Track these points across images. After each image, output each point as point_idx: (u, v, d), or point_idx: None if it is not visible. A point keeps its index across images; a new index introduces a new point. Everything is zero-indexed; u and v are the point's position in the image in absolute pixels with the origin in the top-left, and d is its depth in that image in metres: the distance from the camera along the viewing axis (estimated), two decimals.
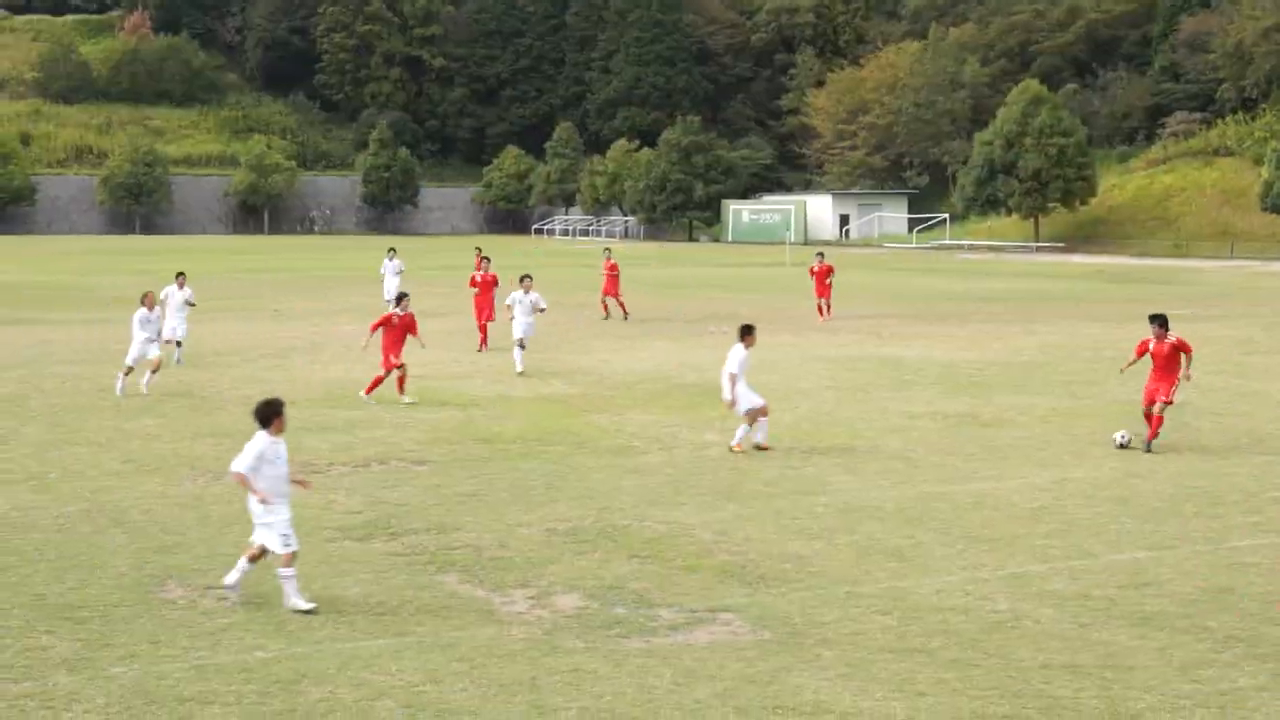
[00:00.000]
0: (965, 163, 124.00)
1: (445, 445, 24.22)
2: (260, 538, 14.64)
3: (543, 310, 34.87)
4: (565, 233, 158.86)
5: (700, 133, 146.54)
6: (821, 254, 52.68)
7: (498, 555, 16.88)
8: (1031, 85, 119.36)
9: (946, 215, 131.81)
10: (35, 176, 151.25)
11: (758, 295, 63.60)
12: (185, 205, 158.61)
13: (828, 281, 50.27)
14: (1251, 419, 27.94)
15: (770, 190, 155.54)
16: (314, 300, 57.24)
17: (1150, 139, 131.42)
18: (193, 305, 36.25)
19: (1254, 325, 49.33)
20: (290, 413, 27.10)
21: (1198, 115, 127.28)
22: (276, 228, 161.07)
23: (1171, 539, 18.09)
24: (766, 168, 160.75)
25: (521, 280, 35.02)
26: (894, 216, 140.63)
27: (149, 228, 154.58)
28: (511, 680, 12.53)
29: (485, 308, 39.68)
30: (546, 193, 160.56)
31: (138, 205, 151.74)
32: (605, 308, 50.70)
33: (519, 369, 33.44)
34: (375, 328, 29.31)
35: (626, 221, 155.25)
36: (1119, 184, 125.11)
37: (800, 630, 14.11)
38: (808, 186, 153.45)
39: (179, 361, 34.71)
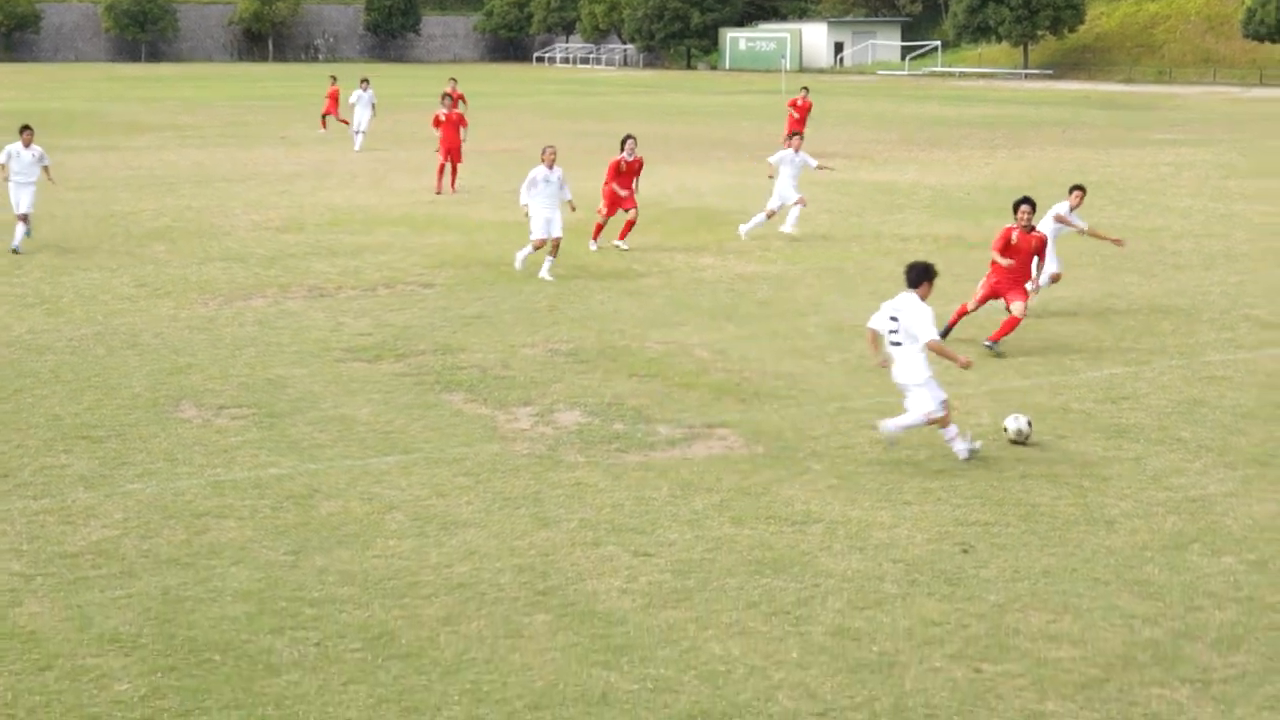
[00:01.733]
0: None
1: (451, 269, 24.20)
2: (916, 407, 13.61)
3: (813, 167, 28.94)
4: (566, 60, 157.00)
5: None
6: (806, 89, 49.32)
7: (502, 375, 16.96)
8: None
9: (939, 43, 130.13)
10: (39, 3, 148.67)
11: (754, 122, 63.07)
12: (190, 33, 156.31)
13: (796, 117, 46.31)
14: (1227, 240, 27.92)
15: (766, 18, 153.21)
16: (319, 127, 56.72)
17: None
18: (47, 168, 26.71)
19: (1233, 150, 49.04)
20: (298, 237, 27.31)
21: None
22: (281, 55, 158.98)
23: (1147, 354, 18.17)
24: None
25: (790, 139, 29.20)
26: (887, 44, 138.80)
27: (154, 56, 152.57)
28: (515, 494, 12.67)
29: (450, 149, 35.63)
30: (546, 21, 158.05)
31: (143, 33, 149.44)
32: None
33: (792, 229, 28.32)
34: (610, 180, 26.06)
35: (625, 49, 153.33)
36: (1106, 11, 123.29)
37: (792, 444, 14.24)
38: (803, 15, 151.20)
39: (16, 249, 25.53)
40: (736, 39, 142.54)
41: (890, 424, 13.76)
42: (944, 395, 13.80)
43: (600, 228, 26.50)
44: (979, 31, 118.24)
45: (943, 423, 13.71)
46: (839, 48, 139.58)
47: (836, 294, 22.26)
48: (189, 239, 27.42)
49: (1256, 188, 37.23)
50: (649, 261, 25.08)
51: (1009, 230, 18.59)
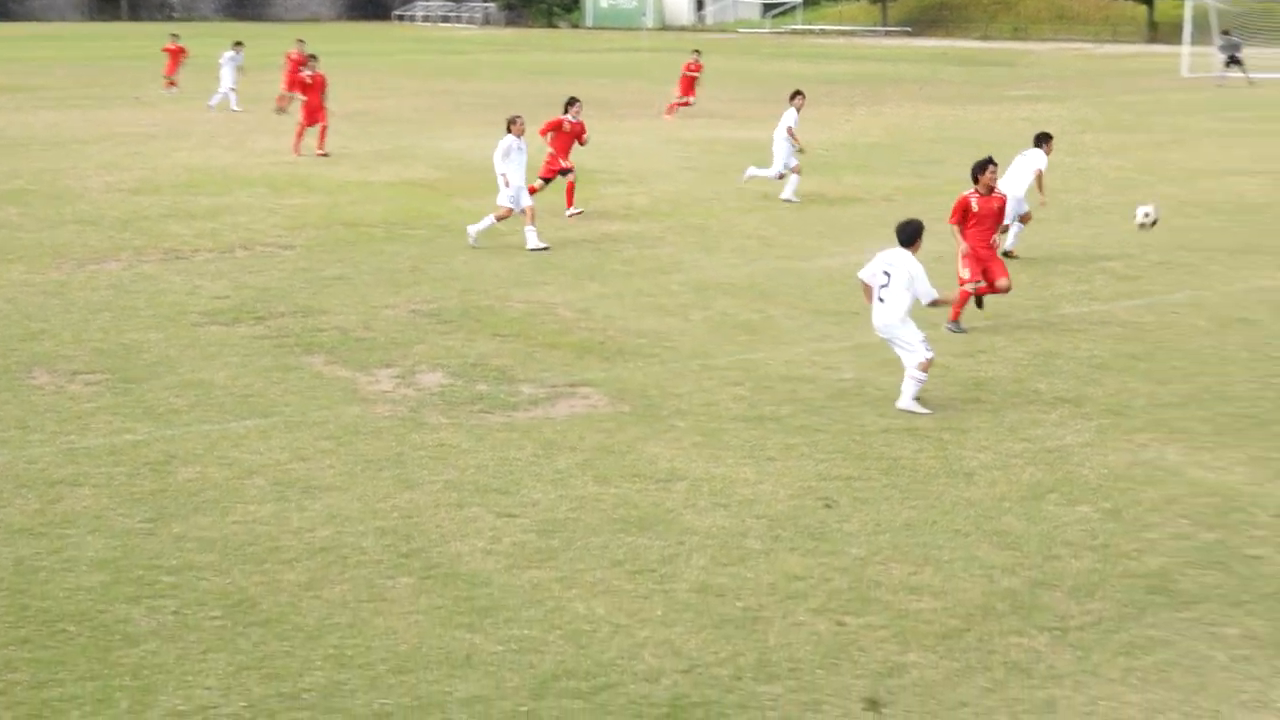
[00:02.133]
0: None
1: (311, 230, 23.85)
2: (908, 358, 14.02)
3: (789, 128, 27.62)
4: (427, 19, 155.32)
5: None
6: (698, 52, 48.44)
7: (363, 336, 16.75)
8: None
9: (800, 0, 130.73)
10: None
11: (616, 80, 62.91)
12: None
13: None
14: (1084, 194, 28.37)
15: None
16: (165, 86, 55.53)
17: None
18: None
19: (1088, 105, 49.84)
20: (154, 199, 26.73)
21: None
22: (135, 15, 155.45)
23: (1005, 308, 18.39)
24: None
25: (793, 97, 28.18)
26: (749, 1, 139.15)
27: (4, 15, 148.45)
28: (378, 456, 12.52)
29: (316, 110, 34.30)
30: None
31: None
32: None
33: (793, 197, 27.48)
34: (546, 131, 24.97)
35: (487, 8, 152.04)
36: None
37: (656, 402, 14.23)
38: None
39: None
40: None
41: (906, 403, 13.97)
42: (923, 334, 14.16)
43: (572, 187, 25.28)
44: None
45: (923, 367, 14.02)
46: (700, 4, 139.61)
47: (700, 252, 22.28)
48: (41, 202, 26.70)
49: (1111, 142, 37.88)
50: (512, 220, 24.89)
51: (966, 198, 17.21)
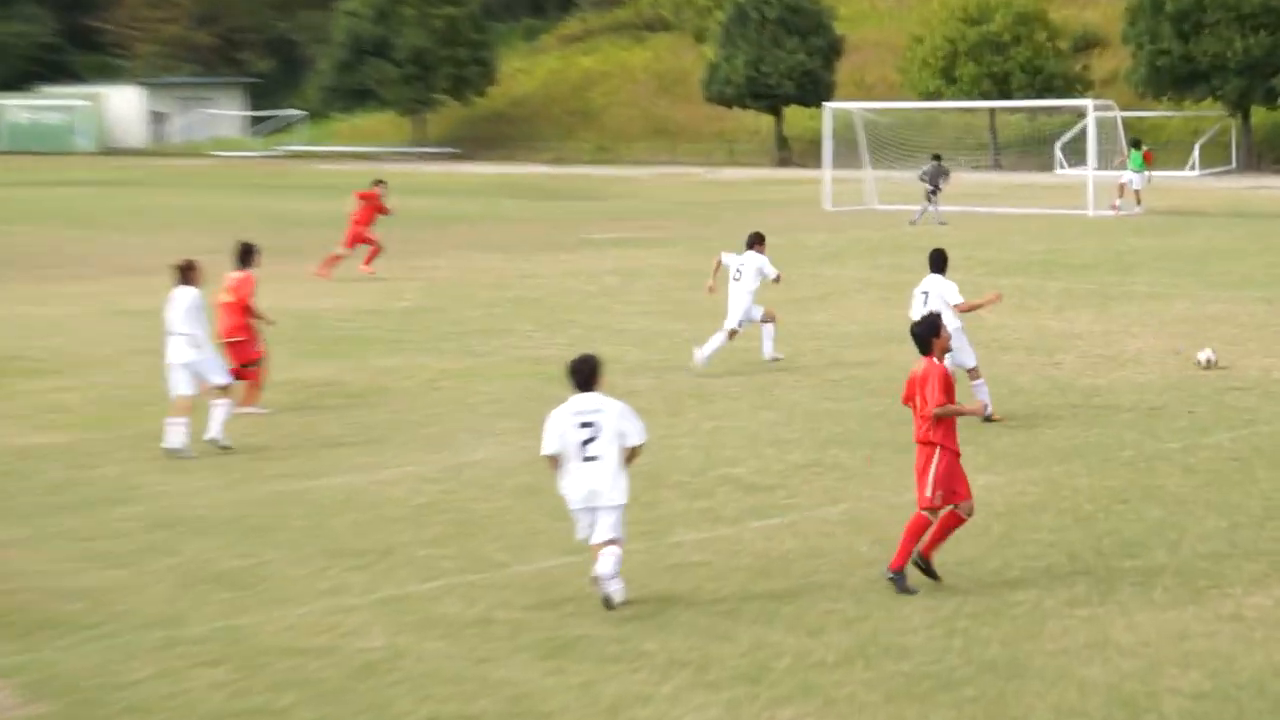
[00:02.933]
0: (324, 41, 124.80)
1: None
2: (608, 529, 15.94)
3: (771, 278, 30.14)
4: None
5: None
6: (382, 183, 48.02)
7: None
8: None
9: (302, 112, 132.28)
10: None
11: (45, 225, 61.98)
12: None
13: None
14: (696, 377, 28.80)
15: (54, 80, 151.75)
16: None
17: (565, 8, 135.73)
18: None
19: (698, 251, 51.42)
20: None
21: None
22: None
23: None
24: (48, 47, 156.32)
25: (755, 243, 30.58)
26: (227, 114, 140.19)
27: None
28: None
29: None
30: None
31: None
32: None
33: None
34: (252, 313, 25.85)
35: None
36: (525, 68, 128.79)
37: (95, 697, 13.73)
38: (107, 73, 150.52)
39: None
40: (9, 107, 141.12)
41: (609, 580, 15.75)
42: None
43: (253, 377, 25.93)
44: (355, 96, 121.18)
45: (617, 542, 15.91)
46: (159, 118, 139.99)
47: (160, 472, 21.87)
48: None
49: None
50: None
51: (941, 370, 16.05)
